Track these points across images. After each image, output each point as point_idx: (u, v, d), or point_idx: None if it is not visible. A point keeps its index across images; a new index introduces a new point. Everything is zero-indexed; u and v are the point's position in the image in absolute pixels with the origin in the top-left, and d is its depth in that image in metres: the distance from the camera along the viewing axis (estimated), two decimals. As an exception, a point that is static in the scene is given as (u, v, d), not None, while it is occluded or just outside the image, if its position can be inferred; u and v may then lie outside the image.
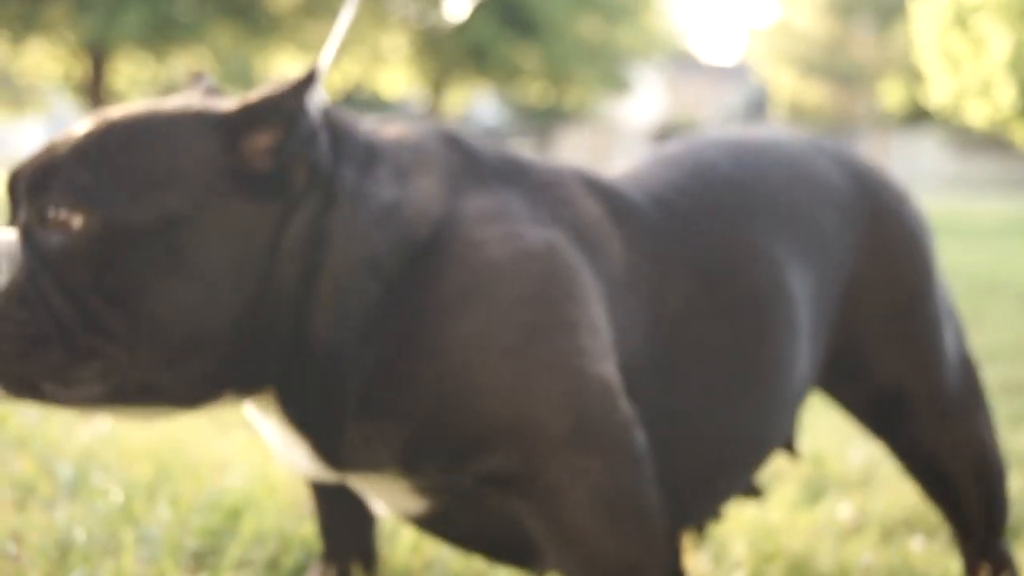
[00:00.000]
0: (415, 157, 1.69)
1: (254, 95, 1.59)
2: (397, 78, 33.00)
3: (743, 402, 1.86)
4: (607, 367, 1.62)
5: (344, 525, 1.99)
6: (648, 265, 1.79)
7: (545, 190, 1.75)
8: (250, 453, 2.91)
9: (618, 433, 1.60)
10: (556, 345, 1.59)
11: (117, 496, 2.35)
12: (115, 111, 1.62)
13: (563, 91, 32.66)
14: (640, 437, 1.63)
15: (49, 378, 1.52)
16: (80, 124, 1.60)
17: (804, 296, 1.94)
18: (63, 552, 2.01)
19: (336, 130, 1.65)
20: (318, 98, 1.61)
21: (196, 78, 1.81)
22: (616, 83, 32.09)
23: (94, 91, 28.35)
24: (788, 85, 38.56)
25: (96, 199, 1.51)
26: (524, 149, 1.89)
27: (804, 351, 1.94)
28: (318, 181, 1.59)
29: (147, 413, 1.62)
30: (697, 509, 1.91)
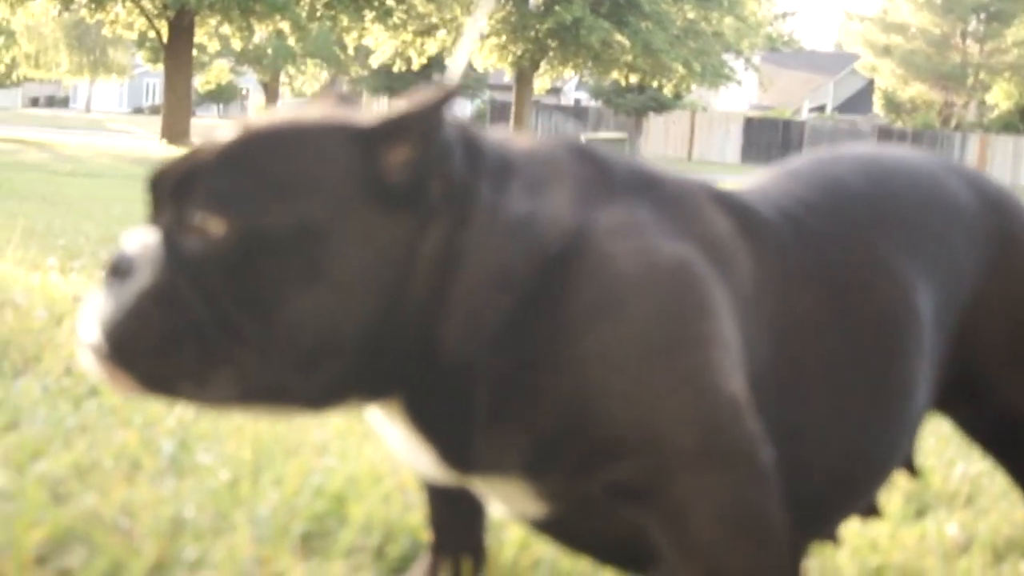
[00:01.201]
0: (547, 170, 1.69)
1: (393, 110, 1.61)
2: (485, 57, 33.12)
3: (868, 421, 1.84)
4: (736, 383, 1.61)
5: (455, 520, 1.99)
6: (776, 281, 1.77)
7: (674, 203, 1.74)
8: (346, 439, 2.91)
9: (745, 449, 1.59)
10: (687, 360, 1.58)
11: (223, 475, 2.35)
12: (257, 120, 1.65)
13: (658, 79, 32.49)
14: (767, 454, 1.61)
15: (184, 378, 1.54)
16: (224, 131, 1.63)
17: (930, 316, 1.91)
18: (175, 529, 2.01)
19: (470, 145, 1.66)
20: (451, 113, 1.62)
21: (329, 86, 1.84)
22: (714, 73, 31.85)
23: (173, 55, 28.74)
24: (888, 78, 38.00)
25: (237, 206, 1.53)
26: (615, 134, 1.88)
27: (927, 371, 1.91)
28: (453, 195, 1.60)
29: (276, 413, 1.66)
30: (818, 528, 1.88)
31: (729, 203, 1.81)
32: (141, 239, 1.61)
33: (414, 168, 1.58)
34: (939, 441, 3.84)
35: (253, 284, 1.54)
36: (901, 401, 1.87)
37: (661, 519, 1.60)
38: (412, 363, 1.61)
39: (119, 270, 1.58)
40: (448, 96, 1.58)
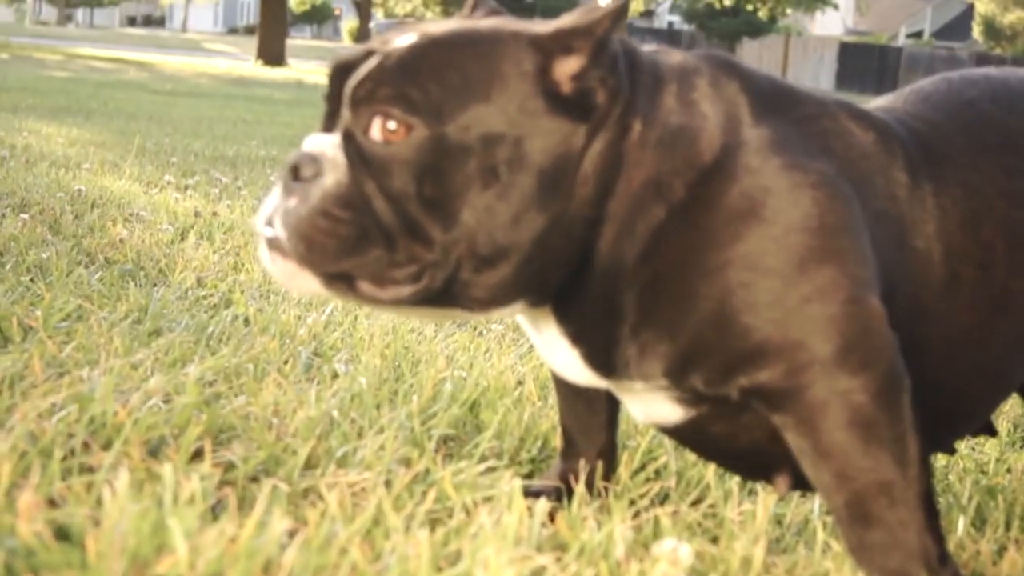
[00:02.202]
0: (698, 84, 1.76)
1: (566, 20, 1.68)
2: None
3: (989, 340, 1.91)
4: (873, 295, 1.69)
5: (587, 426, 2.10)
6: (909, 200, 1.84)
7: (815, 120, 1.82)
8: (470, 352, 3.04)
9: (880, 357, 1.68)
10: (828, 271, 1.66)
11: (361, 382, 2.49)
12: (433, 27, 1.73)
13: (753, 2, 32.02)
14: (900, 363, 1.69)
15: (367, 277, 1.66)
16: (400, 36, 1.70)
17: None
18: (324, 430, 2.15)
19: (630, 57, 1.74)
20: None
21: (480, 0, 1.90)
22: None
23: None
24: (987, 3, 37.06)
25: (423, 112, 1.63)
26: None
27: None
28: (618, 106, 1.69)
29: (443, 316, 1.77)
30: (938, 441, 1.97)
31: (867, 121, 1.88)
32: (323, 141, 1.70)
33: (583, 78, 1.67)
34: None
35: (435, 188, 1.64)
36: (1023, 321, 1.93)
37: (797, 422, 1.69)
38: (572, 267, 1.71)
39: (304, 170, 1.67)
40: (620, 9, 1.66)
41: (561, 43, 1.67)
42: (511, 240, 1.65)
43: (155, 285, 3.49)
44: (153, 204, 5.03)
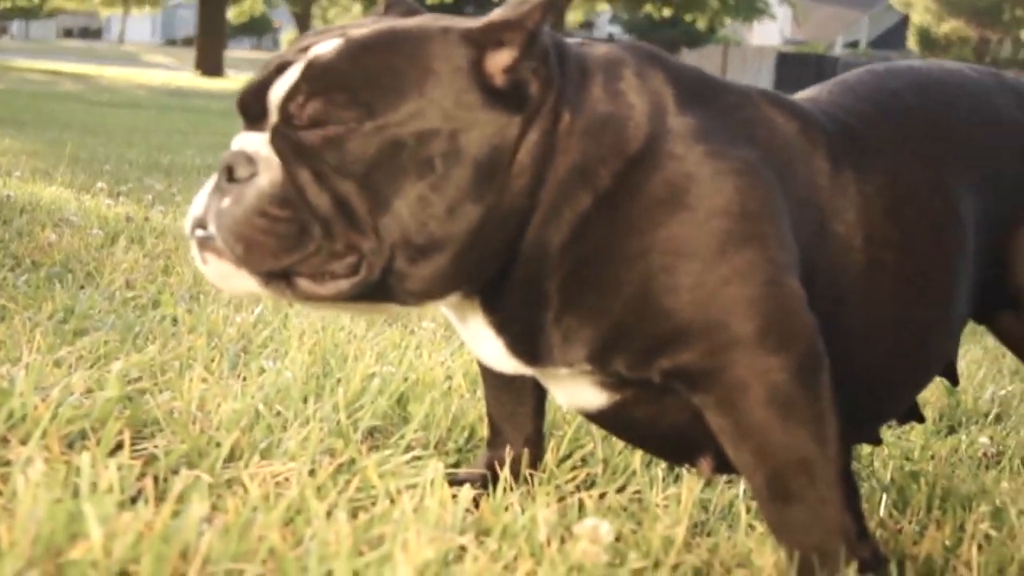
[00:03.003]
0: (624, 75, 1.78)
1: (497, 14, 1.70)
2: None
3: (912, 324, 1.94)
4: (792, 278, 1.71)
5: (515, 416, 2.11)
6: (831, 188, 1.86)
7: (739, 110, 1.84)
8: (401, 349, 3.03)
9: (799, 337, 1.69)
10: (748, 254, 1.68)
11: (287, 376, 2.48)
12: (356, 29, 1.74)
13: (692, 12, 32.23)
14: (819, 343, 1.71)
15: (305, 273, 1.66)
16: (321, 42, 1.71)
17: (974, 226, 1.99)
18: (249, 422, 2.14)
19: (558, 49, 1.76)
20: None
21: (394, 1, 1.90)
22: (748, 8, 31.59)
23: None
24: (923, 14, 37.56)
25: (359, 106, 1.64)
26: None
27: (969, 280, 2.00)
28: (550, 96, 1.70)
29: (378, 310, 1.78)
30: (861, 426, 1.99)
31: (790, 111, 1.90)
32: (256, 140, 1.70)
33: (518, 70, 1.68)
34: (970, 364, 3.94)
35: (375, 181, 1.64)
36: (944, 306, 1.96)
37: (717, 402, 1.70)
38: (503, 258, 1.72)
39: (239, 170, 1.67)
40: (551, 1, 1.67)
41: (493, 36, 1.68)
42: (446, 231, 1.66)
43: (82, 287, 3.45)
44: (84, 210, 4.98)
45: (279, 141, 1.67)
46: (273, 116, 1.69)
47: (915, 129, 2.00)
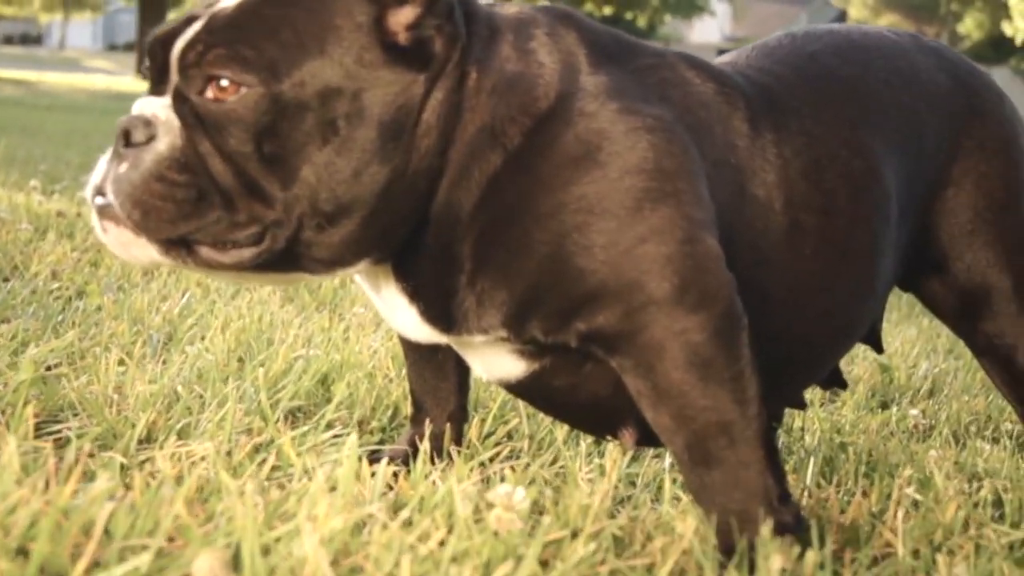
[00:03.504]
0: (535, 34, 1.75)
1: None
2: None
3: (833, 287, 1.92)
4: (709, 236, 1.68)
5: (437, 391, 2.07)
6: (749, 149, 1.84)
7: (654, 70, 1.81)
8: (330, 332, 2.99)
9: (717, 296, 1.67)
10: (663, 212, 1.65)
11: (209, 358, 2.43)
12: None
13: (632, 10, 32.29)
14: (737, 303, 1.69)
15: (208, 240, 1.61)
16: None
17: (896, 188, 1.98)
18: (166, 404, 2.09)
19: (465, 7, 1.72)
20: None
21: None
22: (688, 5, 31.72)
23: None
24: (860, 9, 37.90)
25: (257, 70, 1.59)
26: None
27: (893, 242, 1.98)
28: (455, 54, 1.67)
29: (284, 280, 1.74)
30: (784, 390, 1.97)
31: (707, 72, 1.87)
32: (155, 104, 1.65)
33: (421, 26, 1.65)
34: (904, 343, 3.95)
35: (276, 144, 1.60)
36: (866, 269, 1.95)
37: (635, 364, 1.67)
38: (417, 220, 1.68)
39: (136, 134, 1.62)
40: None
41: None
42: (354, 195, 1.62)
43: (7, 280, 3.38)
44: (13, 206, 4.90)
45: (180, 104, 1.62)
46: (174, 74, 1.64)
47: (834, 91, 1.98)
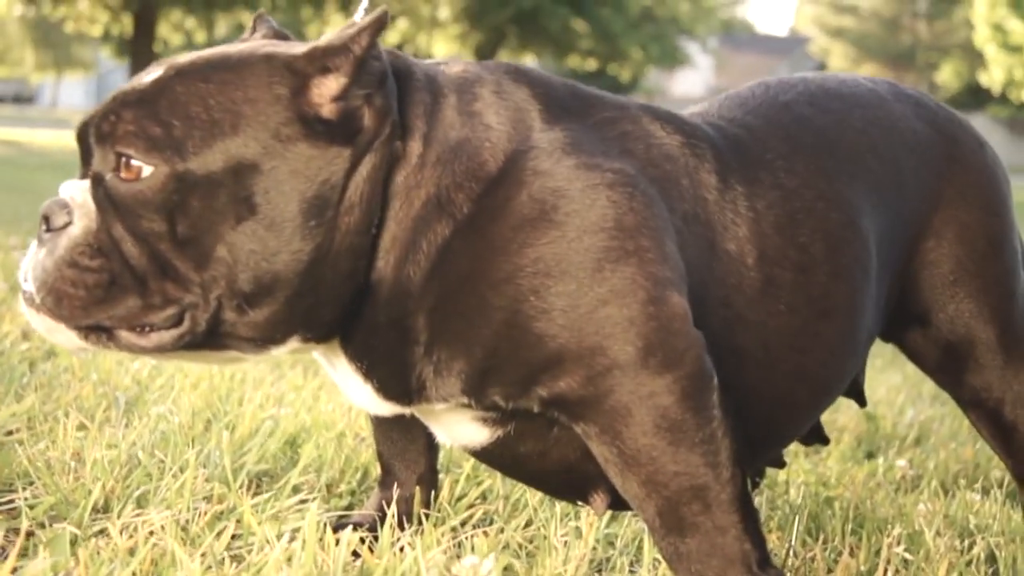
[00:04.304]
0: (480, 93, 1.68)
1: (323, 39, 1.59)
2: (445, 45, 32.96)
3: (811, 345, 1.84)
4: (675, 293, 1.61)
5: (406, 453, 2.00)
6: (719, 203, 1.78)
7: (614, 123, 1.75)
8: (303, 390, 2.92)
9: (684, 357, 1.59)
10: (625, 271, 1.58)
11: (174, 421, 2.36)
12: (182, 58, 1.63)
13: (615, 64, 32.46)
14: (707, 362, 1.61)
15: (124, 325, 1.55)
16: (148, 72, 1.61)
17: (876, 240, 1.92)
18: (127, 470, 2.02)
19: (400, 72, 1.65)
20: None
21: (260, 20, 1.81)
22: (670, 57, 31.88)
23: (137, 50, 28.53)
24: (840, 60, 38.15)
25: (165, 147, 1.52)
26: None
27: (874, 295, 1.92)
28: (386, 126, 1.59)
29: (217, 359, 1.66)
30: (762, 450, 1.89)
31: (673, 124, 1.81)
32: (75, 187, 1.59)
33: (346, 98, 1.57)
34: (889, 390, 3.89)
35: (187, 225, 1.53)
36: (845, 324, 1.87)
37: (600, 431, 1.60)
38: (349, 297, 1.60)
39: (55, 219, 1.56)
40: (378, 24, 1.56)
41: (317, 63, 1.57)
42: (274, 275, 1.55)
43: (-26, 342, 3.30)
44: (-12, 263, 4.84)
45: (96, 187, 1.56)
46: (94, 157, 1.58)
47: (809, 142, 1.91)
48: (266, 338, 1.61)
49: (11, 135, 29.37)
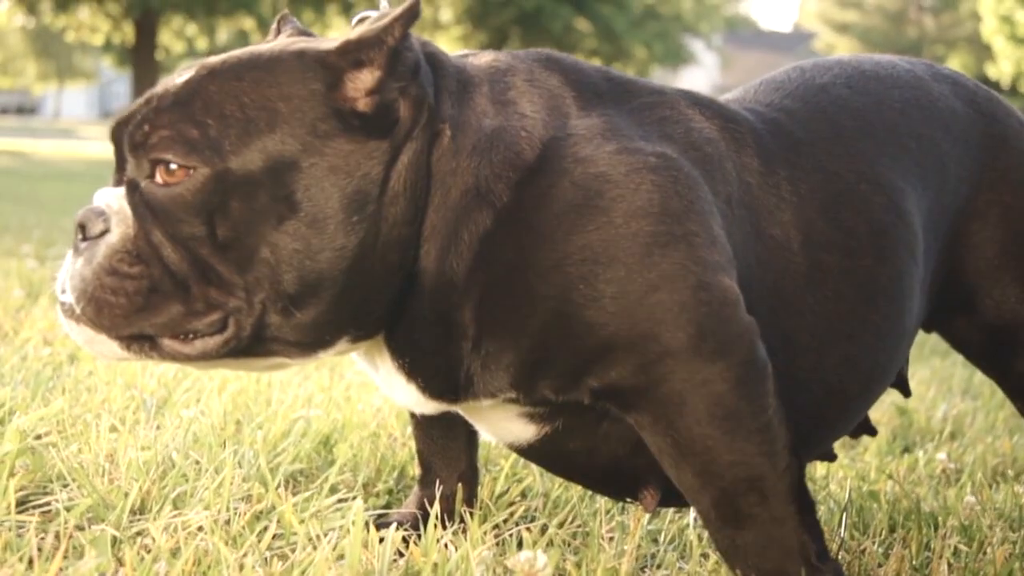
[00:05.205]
0: (513, 82, 1.65)
1: (355, 32, 1.56)
2: (448, 47, 32.96)
3: (859, 331, 1.81)
4: (726, 278, 1.58)
5: (446, 451, 1.96)
6: (762, 187, 1.74)
7: (652, 109, 1.72)
8: (331, 391, 2.89)
9: (738, 343, 1.56)
10: (675, 256, 1.55)
11: (206, 422, 2.33)
12: (214, 59, 1.60)
13: (620, 63, 32.39)
14: (760, 348, 1.58)
15: (167, 333, 1.52)
16: (179, 74, 1.58)
17: (920, 223, 1.88)
18: (162, 471, 1.98)
19: (433, 63, 1.62)
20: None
21: (284, 21, 1.78)
22: (674, 55, 31.82)
23: (139, 58, 28.54)
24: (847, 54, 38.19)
25: (203, 150, 1.50)
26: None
27: (920, 279, 1.88)
28: (422, 116, 1.56)
29: (263, 365, 1.63)
30: (813, 442, 1.85)
31: (712, 109, 1.77)
32: (110, 195, 1.56)
33: (381, 91, 1.54)
34: (920, 384, 3.85)
35: (228, 228, 1.50)
36: (893, 310, 1.83)
37: (654, 420, 1.56)
38: (394, 293, 1.57)
39: (91, 228, 1.53)
40: (411, 13, 1.53)
41: (350, 57, 1.54)
42: (319, 274, 1.52)
43: (-3, 347, 3.27)
44: (5, 271, 4.82)
45: (132, 193, 1.53)
46: (129, 162, 1.55)
47: (847, 124, 1.88)
48: (314, 340, 1.57)
49: (15, 146, 29.40)
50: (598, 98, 1.67)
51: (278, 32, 1.78)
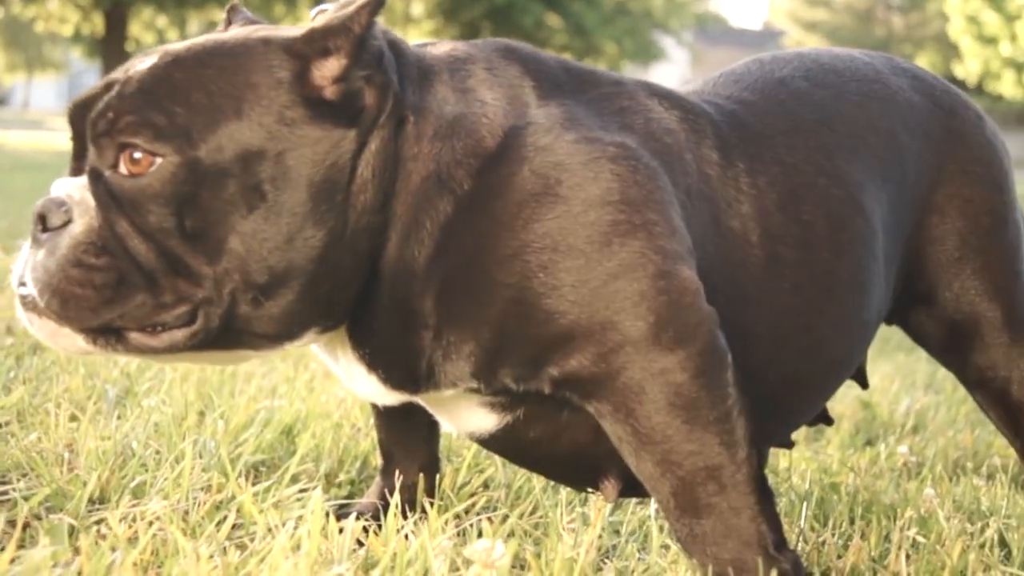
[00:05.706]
0: (472, 71, 1.65)
1: (320, 20, 1.56)
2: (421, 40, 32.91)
3: (817, 323, 1.82)
4: (686, 269, 1.58)
5: (407, 441, 1.96)
6: (721, 179, 1.75)
7: (612, 99, 1.72)
8: (295, 382, 2.88)
9: (698, 332, 1.57)
10: (634, 245, 1.55)
11: (167, 412, 2.31)
12: (177, 45, 1.58)
13: (590, 59, 32.41)
14: (720, 338, 1.58)
15: (135, 326, 1.50)
16: (140, 60, 1.56)
17: (880, 217, 1.88)
18: (120, 461, 1.97)
19: (395, 51, 1.62)
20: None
21: (234, 12, 1.77)
22: (645, 52, 31.87)
23: (108, 50, 28.37)
24: (814, 51, 38.42)
25: (172, 137, 1.48)
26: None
27: (880, 273, 1.89)
28: (388, 104, 1.56)
29: (231, 358, 1.62)
30: (770, 431, 1.85)
31: (671, 100, 1.78)
32: (71, 184, 1.53)
33: (347, 78, 1.53)
34: (884, 378, 3.87)
35: (195, 218, 1.48)
36: (852, 303, 1.84)
37: (614, 409, 1.57)
38: (359, 283, 1.57)
39: (52, 219, 1.50)
40: (377, 2, 1.53)
41: (316, 45, 1.53)
42: (288, 263, 1.51)
43: (-44, 337, 3.25)
44: (-34, 261, 4.77)
45: (95, 183, 1.51)
46: (91, 149, 1.53)
47: (806, 116, 1.88)
48: (283, 332, 1.56)
49: (-18, 137, 29.18)
50: (557, 88, 1.67)
51: (228, 23, 1.77)
